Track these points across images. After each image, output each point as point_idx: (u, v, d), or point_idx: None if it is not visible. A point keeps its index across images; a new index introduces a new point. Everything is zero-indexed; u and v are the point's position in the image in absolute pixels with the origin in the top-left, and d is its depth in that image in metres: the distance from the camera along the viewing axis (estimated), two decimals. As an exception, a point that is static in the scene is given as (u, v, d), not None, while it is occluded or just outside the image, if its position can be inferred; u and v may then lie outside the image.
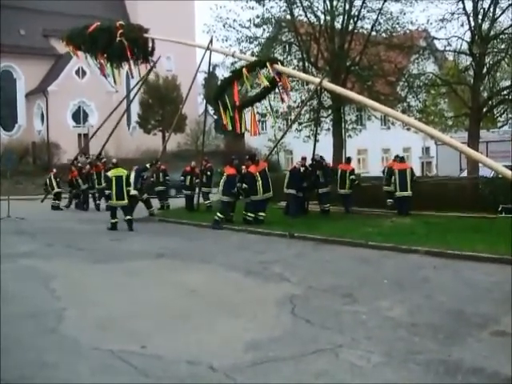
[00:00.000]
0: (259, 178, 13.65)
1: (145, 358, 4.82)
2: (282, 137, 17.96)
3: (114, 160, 15.76)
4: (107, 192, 14.54)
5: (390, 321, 5.82)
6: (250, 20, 19.11)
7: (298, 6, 18.99)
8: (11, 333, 5.57)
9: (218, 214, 13.83)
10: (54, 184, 20.70)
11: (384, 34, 19.43)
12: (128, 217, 14.07)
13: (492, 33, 16.62)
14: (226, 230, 13.55)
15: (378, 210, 15.82)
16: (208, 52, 17.17)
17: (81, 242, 12.02)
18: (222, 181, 14.07)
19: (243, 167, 14.27)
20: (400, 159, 15.84)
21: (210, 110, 29.09)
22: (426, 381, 4.29)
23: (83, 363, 4.73)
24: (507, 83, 18.40)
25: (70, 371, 4.58)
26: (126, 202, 14.10)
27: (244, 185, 13.71)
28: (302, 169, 15.43)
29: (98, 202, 19.70)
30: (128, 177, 14.57)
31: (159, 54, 18.40)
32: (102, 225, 14.62)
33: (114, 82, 18.72)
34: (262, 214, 13.81)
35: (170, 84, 39.34)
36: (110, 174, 14.48)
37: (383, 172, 16.80)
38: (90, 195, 20.33)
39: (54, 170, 21.99)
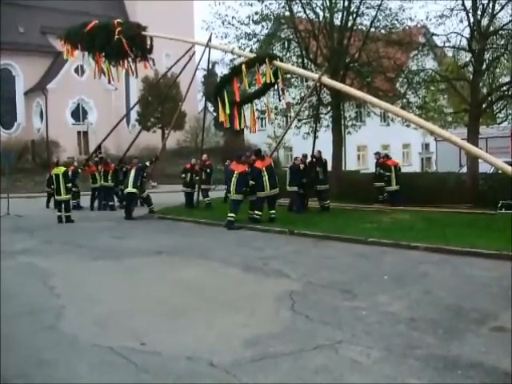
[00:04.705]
0: (265, 174, 13.49)
1: (144, 354, 4.83)
2: (284, 135, 17.88)
3: (55, 159, 16.72)
4: (52, 187, 16.06)
5: (390, 316, 5.83)
6: (248, 17, 19.03)
7: (296, 3, 18.91)
8: (10, 330, 5.57)
9: (231, 214, 13.24)
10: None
11: (383, 31, 19.35)
12: (66, 214, 15.11)
13: (491, 29, 16.53)
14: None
15: (377, 206, 16.06)
16: (207, 49, 17.15)
17: (80, 239, 12.03)
18: (233, 178, 13.46)
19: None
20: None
21: (210, 107, 29.09)
22: (425, 376, 4.29)
23: (82, 360, 4.73)
24: (507, 79, 18.32)
25: (70, 368, 4.58)
26: (64, 197, 15.20)
27: (251, 181, 13.47)
28: (301, 166, 15.47)
29: (103, 202, 19.46)
30: (65, 173, 15.43)
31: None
32: (104, 222, 14.65)
33: (111, 80, 18.61)
34: (273, 211, 13.69)
35: (170, 81, 39.23)
36: (52, 172, 15.96)
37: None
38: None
39: (76, 164, 19.51)
